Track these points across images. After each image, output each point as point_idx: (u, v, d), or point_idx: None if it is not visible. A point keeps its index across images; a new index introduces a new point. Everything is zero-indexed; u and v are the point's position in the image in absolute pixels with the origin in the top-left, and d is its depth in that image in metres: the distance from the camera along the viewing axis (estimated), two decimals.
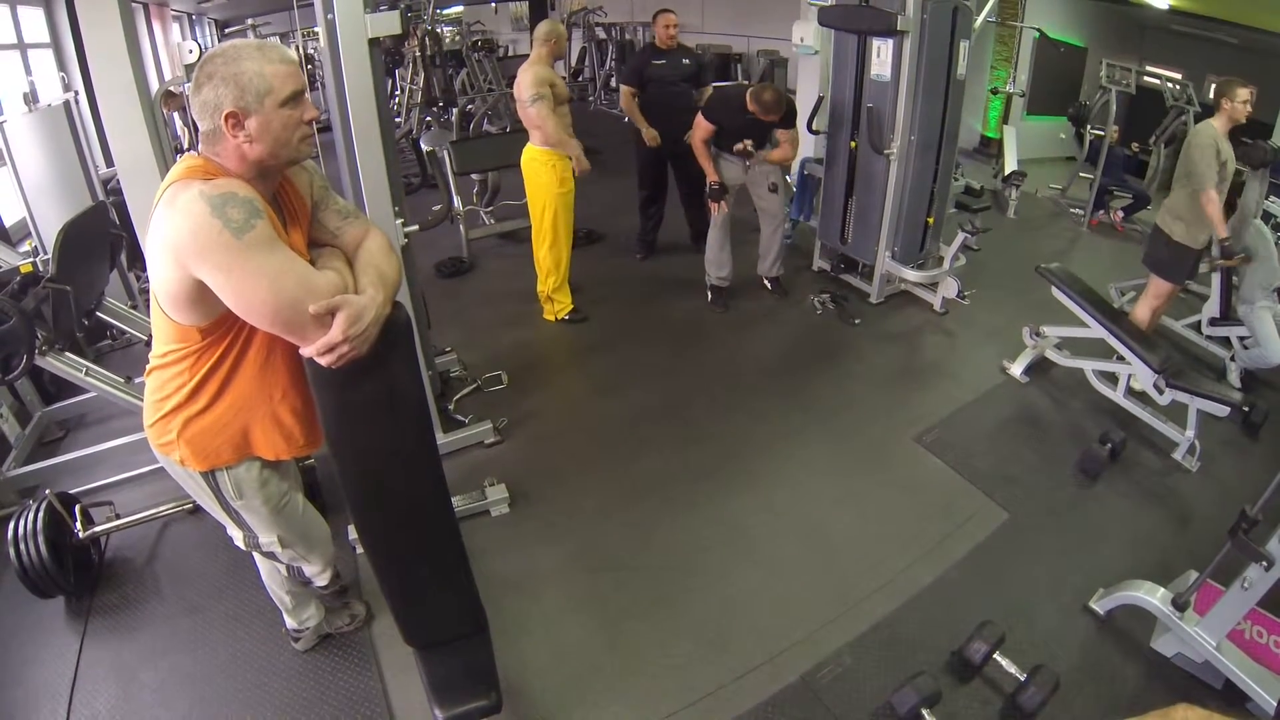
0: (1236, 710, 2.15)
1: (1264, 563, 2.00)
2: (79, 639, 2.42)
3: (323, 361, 1.44)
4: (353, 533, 2.58)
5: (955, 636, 2.32)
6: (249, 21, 8.52)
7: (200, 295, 1.40)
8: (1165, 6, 7.29)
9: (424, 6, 6.82)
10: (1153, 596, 2.34)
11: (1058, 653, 2.34)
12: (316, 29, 2.48)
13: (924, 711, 2.05)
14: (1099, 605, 2.51)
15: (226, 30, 12.64)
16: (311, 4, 2.46)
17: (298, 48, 8.71)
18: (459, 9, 9.21)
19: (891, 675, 2.21)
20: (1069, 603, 2.56)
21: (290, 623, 2.27)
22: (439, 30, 7.81)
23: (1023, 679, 2.14)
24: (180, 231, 1.33)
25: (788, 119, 4.19)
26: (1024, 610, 2.52)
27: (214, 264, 1.33)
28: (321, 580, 2.18)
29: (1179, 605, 2.27)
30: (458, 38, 8.91)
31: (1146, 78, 7.00)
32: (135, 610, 2.54)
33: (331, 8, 2.29)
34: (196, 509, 2.75)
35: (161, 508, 2.80)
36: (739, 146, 4.19)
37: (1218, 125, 3.52)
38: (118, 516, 2.75)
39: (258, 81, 1.39)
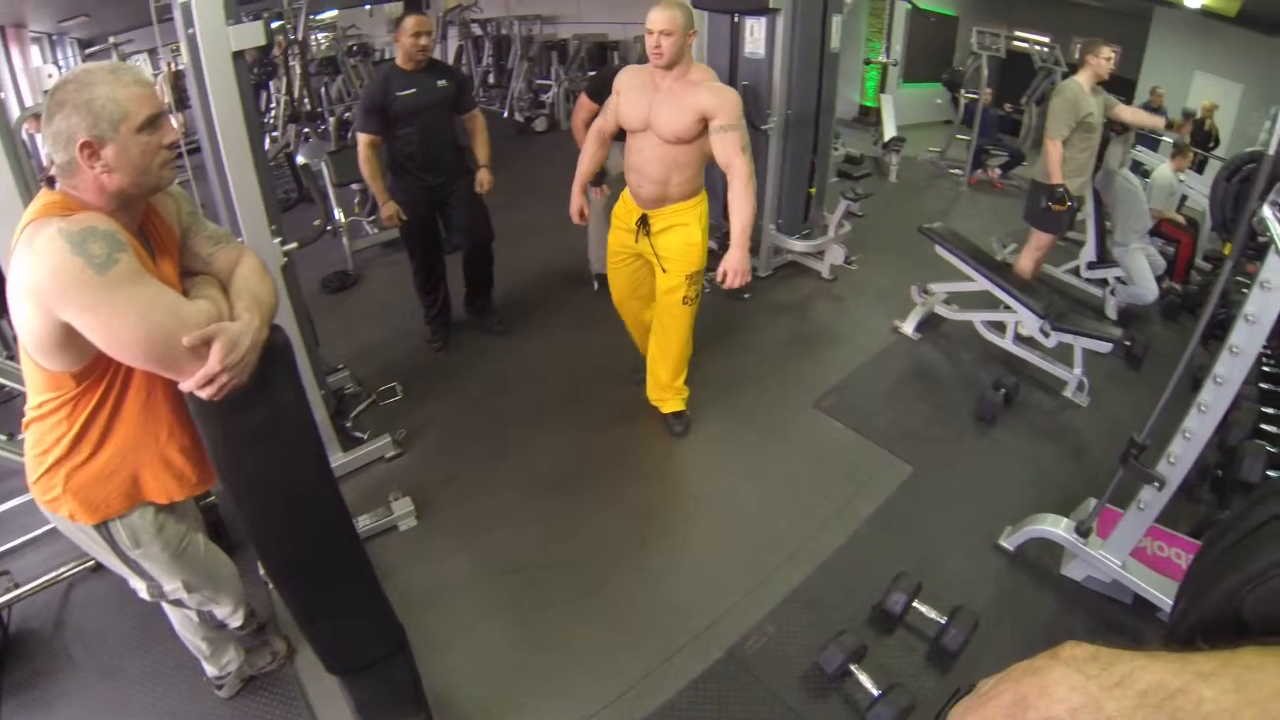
0: (1145, 629, 2.31)
1: (1156, 483, 2.16)
2: None
3: (203, 394, 1.38)
4: (263, 568, 2.50)
5: (873, 591, 2.39)
6: (111, 40, 8.08)
7: (68, 338, 1.33)
8: None
9: (289, 15, 6.51)
10: (1057, 527, 2.50)
11: (975, 592, 2.46)
12: None
13: (852, 667, 2.11)
14: (1008, 542, 2.65)
15: (88, 50, 11.97)
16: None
17: (167, 64, 8.24)
18: (333, 14, 8.88)
19: (816, 637, 2.25)
20: (979, 544, 2.69)
21: (210, 670, 2.17)
22: (311, 38, 7.52)
23: (944, 622, 2.23)
24: (40, 273, 1.26)
25: None
26: (937, 557, 2.62)
27: (79, 304, 1.27)
28: (235, 621, 2.10)
29: (1082, 532, 2.43)
30: (332, 43, 8.64)
31: (1016, 42, 7.36)
32: (49, 683, 2.37)
33: (192, 22, 2.19)
34: (99, 566, 2.61)
35: (62, 570, 2.62)
36: None
37: (1082, 81, 3.74)
38: (16, 586, 2.56)
39: (111, 107, 1.32)
